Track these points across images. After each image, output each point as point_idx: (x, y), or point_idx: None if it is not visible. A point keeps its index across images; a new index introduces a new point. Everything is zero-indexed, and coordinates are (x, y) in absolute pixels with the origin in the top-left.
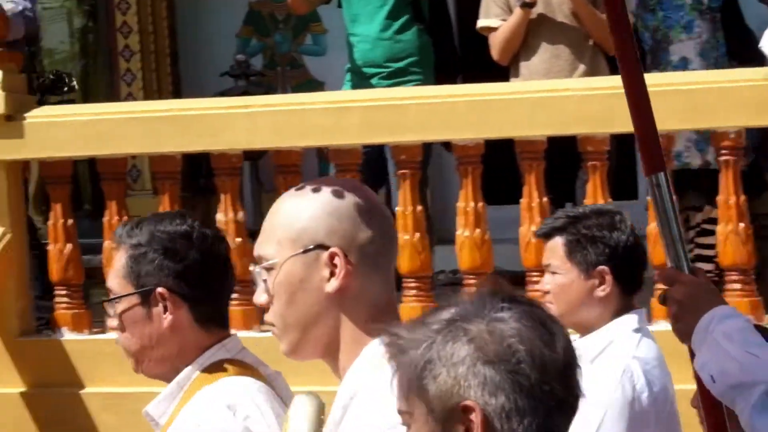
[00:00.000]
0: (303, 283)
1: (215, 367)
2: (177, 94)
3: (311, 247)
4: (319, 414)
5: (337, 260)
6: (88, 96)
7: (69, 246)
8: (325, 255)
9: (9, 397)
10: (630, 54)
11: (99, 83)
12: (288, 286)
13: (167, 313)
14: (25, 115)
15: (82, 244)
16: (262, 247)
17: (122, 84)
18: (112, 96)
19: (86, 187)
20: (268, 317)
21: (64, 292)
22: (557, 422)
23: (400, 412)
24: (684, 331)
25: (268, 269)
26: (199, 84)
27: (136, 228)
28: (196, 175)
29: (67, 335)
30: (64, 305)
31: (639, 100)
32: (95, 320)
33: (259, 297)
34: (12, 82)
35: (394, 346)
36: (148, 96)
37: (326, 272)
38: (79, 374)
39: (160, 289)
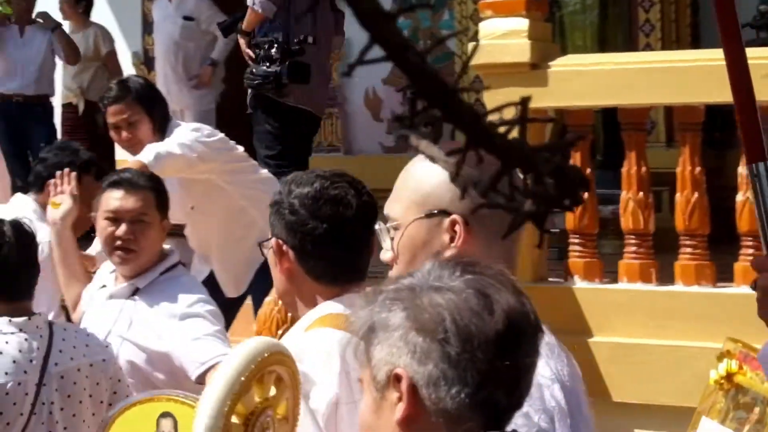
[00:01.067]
0: (425, 245)
1: (325, 318)
2: (695, 44)
3: (434, 212)
4: (254, 357)
5: (457, 227)
6: (604, 45)
7: (585, 195)
8: (446, 221)
9: None
10: (733, 33)
11: (615, 33)
12: (411, 247)
13: (280, 260)
14: (549, 63)
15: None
16: (390, 206)
17: (640, 34)
18: (630, 46)
19: (599, 137)
20: (392, 275)
21: (577, 241)
22: (492, 394)
23: (359, 380)
24: (767, 319)
25: (395, 228)
26: (718, 35)
27: (290, 184)
28: (711, 128)
29: (579, 283)
30: (578, 254)
31: (741, 84)
32: (607, 270)
33: (385, 254)
34: (538, 31)
35: (352, 314)
36: (666, 46)
37: (446, 238)
38: (588, 323)
39: (273, 239)
